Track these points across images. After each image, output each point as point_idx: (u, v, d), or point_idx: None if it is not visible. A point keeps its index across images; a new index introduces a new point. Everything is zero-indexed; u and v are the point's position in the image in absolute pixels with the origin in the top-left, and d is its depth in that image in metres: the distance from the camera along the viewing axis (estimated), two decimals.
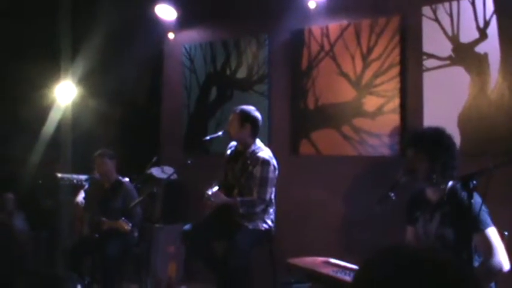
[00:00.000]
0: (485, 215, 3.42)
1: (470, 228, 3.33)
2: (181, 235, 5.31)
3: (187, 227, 5.27)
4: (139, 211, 6.04)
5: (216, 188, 5.16)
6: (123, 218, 5.76)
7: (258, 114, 5.27)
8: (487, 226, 3.40)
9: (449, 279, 1.07)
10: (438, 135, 3.62)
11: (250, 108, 5.30)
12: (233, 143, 5.44)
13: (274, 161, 5.17)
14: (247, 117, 5.21)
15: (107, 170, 6.11)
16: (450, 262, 1.10)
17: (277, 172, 5.19)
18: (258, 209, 5.07)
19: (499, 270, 3.36)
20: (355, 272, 1.16)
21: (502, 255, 3.39)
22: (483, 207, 3.42)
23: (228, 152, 5.45)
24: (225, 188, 5.24)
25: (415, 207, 3.78)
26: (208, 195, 5.09)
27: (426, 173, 3.58)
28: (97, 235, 5.89)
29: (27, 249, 6.86)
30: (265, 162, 5.09)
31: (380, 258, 1.13)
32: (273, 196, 5.19)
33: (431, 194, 3.67)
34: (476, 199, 3.33)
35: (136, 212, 5.97)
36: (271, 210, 5.22)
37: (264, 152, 5.19)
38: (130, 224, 5.75)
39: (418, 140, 3.67)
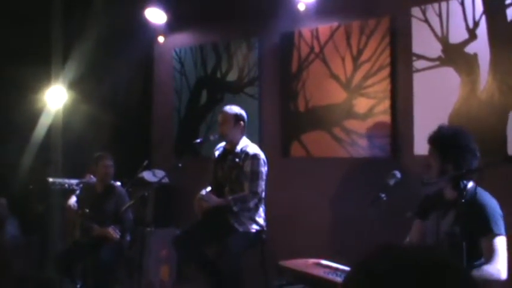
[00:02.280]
0: (500, 222, 3.46)
1: (480, 229, 3.39)
2: (173, 241, 5.33)
3: (178, 232, 5.29)
4: (131, 215, 6.03)
5: (209, 189, 5.18)
6: (112, 226, 5.77)
7: (244, 112, 5.41)
8: (498, 233, 3.43)
9: (447, 280, 1.07)
10: (453, 136, 3.64)
11: (238, 107, 5.41)
12: (221, 145, 5.48)
13: (263, 155, 5.25)
14: (240, 116, 5.33)
15: (112, 172, 6.08)
16: (449, 263, 1.10)
17: (266, 167, 5.24)
18: (252, 203, 5.11)
19: (496, 278, 3.37)
20: (353, 263, 1.16)
21: (502, 264, 3.40)
22: (500, 214, 3.45)
23: (216, 153, 5.47)
24: (216, 189, 5.27)
25: (430, 203, 3.78)
26: (202, 196, 5.11)
27: (438, 171, 3.62)
28: (88, 241, 5.87)
29: (17, 254, 6.82)
30: (255, 157, 5.19)
31: (380, 252, 1.13)
32: (263, 194, 5.21)
33: (448, 192, 3.67)
34: (495, 204, 3.44)
35: (128, 216, 5.96)
36: (261, 209, 5.24)
37: (252, 147, 5.29)
38: (119, 233, 5.75)
39: (434, 138, 3.71)
